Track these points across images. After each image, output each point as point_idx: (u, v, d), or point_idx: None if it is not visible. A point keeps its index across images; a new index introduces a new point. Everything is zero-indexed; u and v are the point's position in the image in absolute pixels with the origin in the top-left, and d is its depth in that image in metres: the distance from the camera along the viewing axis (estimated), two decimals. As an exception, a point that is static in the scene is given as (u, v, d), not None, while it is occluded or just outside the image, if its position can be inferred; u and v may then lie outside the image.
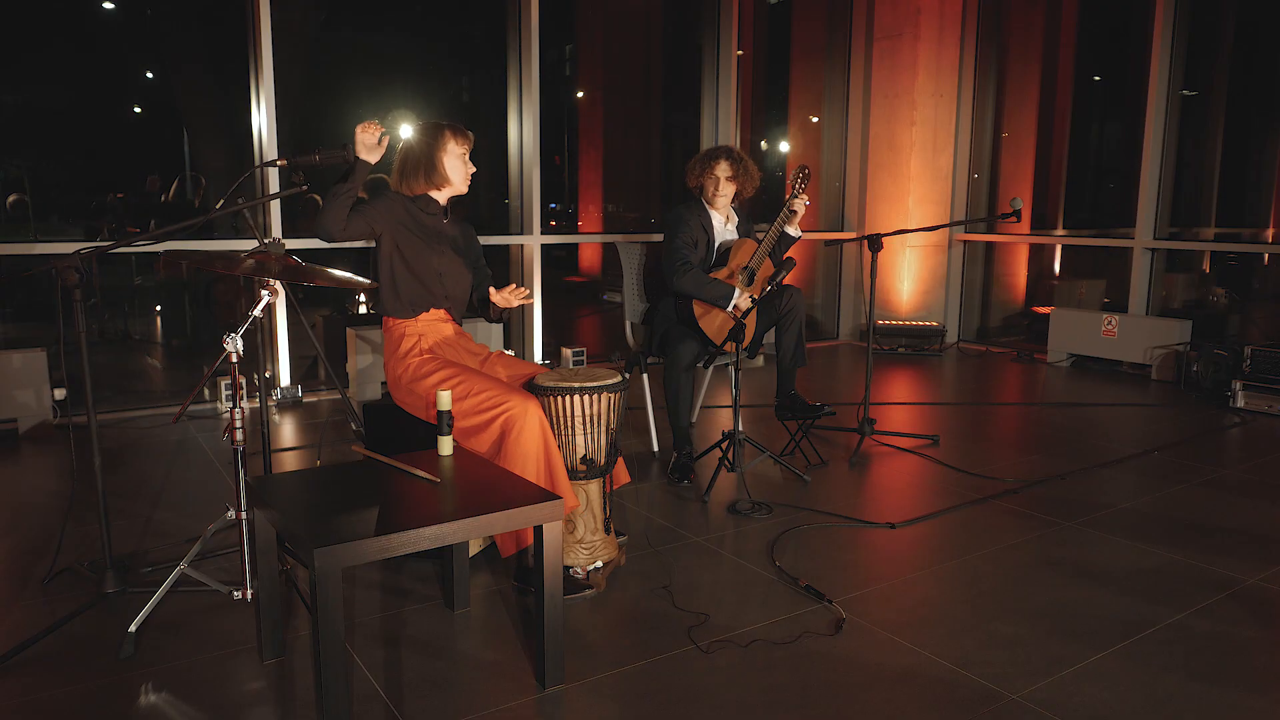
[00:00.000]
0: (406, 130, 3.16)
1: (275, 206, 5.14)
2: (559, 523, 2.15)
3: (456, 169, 3.04)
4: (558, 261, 11.59)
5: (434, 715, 2.07)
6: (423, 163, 3.00)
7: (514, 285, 3.09)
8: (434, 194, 3.06)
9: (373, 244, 2.98)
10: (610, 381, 2.74)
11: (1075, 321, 6.39)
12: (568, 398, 2.68)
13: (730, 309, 3.77)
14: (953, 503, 3.53)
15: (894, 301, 7.43)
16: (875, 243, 4.09)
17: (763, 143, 8.50)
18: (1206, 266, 7.44)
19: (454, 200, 3.15)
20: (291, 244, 5.19)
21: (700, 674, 2.25)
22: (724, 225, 4.08)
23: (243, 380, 2.48)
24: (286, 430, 4.69)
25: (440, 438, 2.51)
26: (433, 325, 3.00)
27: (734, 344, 3.49)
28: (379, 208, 2.91)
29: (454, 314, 3.08)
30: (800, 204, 3.85)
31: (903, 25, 7.07)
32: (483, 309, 3.20)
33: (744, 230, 4.12)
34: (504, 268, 6.19)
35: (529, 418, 2.65)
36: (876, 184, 7.41)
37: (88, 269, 2.46)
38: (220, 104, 6.40)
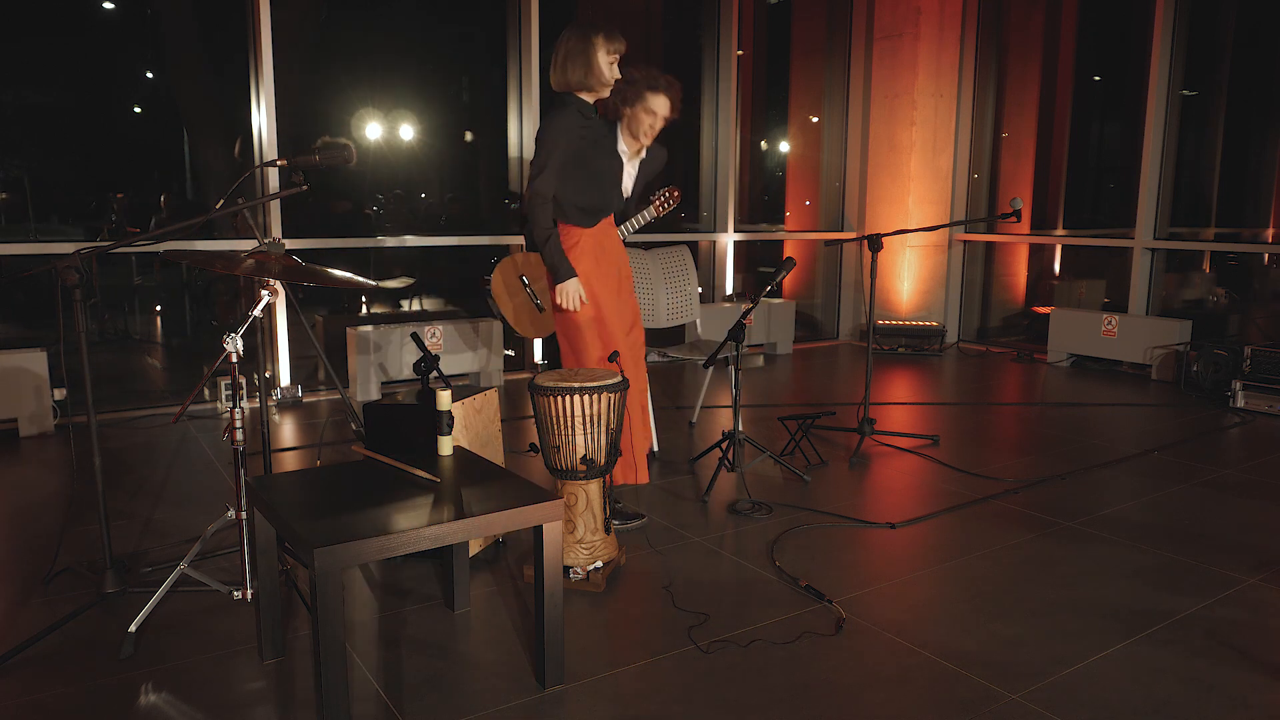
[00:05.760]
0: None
1: (275, 206, 5.14)
2: (559, 523, 2.15)
3: (606, 71, 3.17)
4: (558, 261, 11.55)
5: (434, 715, 2.07)
6: (580, 63, 3.15)
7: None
8: (586, 96, 3.21)
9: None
10: (610, 381, 2.74)
11: (1075, 321, 6.39)
12: (568, 398, 2.69)
13: (557, 285, 3.23)
14: (953, 503, 3.53)
15: (894, 301, 7.43)
16: (875, 243, 4.09)
17: (763, 143, 8.50)
18: (1206, 266, 7.44)
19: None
20: (291, 244, 5.19)
21: (700, 674, 2.25)
22: (628, 161, 3.57)
23: (243, 380, 2.48)
24: (286, 430, 4.69)
25: (440, 438, 2.51)
26: (602, 237, 3.29)
27: (733, 343, 3.49)
28: (560, 144, 3.12)
29: (614, 210, 3.37)
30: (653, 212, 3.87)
31: (903, 25, 7.07)
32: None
33: (647, 176, 3.62)
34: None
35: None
36: (876, 184, 7.41)
37: (88, 269, 2.46)
38: (220, 104, 6.40)
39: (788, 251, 7.86)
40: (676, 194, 3.83)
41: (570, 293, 3.19)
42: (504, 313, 3.82)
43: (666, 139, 3.63)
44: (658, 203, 3.87)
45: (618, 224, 3.77)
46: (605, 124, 3.41)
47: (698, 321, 4.72)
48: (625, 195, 3.62)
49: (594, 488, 2.77)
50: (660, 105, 3.48)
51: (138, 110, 6.72)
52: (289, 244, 5.16)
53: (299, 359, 5.51)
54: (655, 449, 4.24)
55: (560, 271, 3.18)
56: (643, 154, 3.69)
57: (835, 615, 2.57)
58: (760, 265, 8.20)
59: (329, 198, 6.93)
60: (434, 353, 5.03)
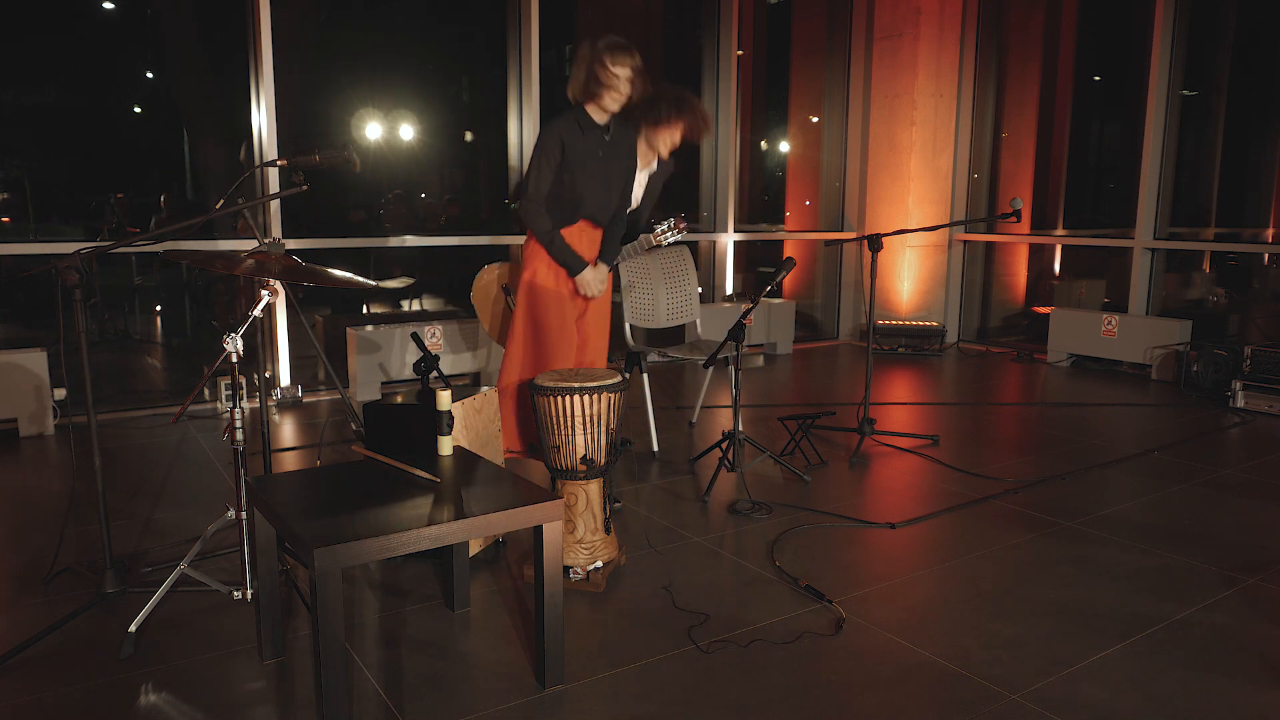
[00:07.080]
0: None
1: (275, 206, 5.14)
2: (559, 523, 2.15)
3: (605, 80, 3.19)
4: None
5: (434, 715, 2.07)
6: (584, 76, 3.20)
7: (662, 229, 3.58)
8: (591, 110, 3.25)
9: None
10: (610, 381, 2.74)
11: (1075, 321, 6.39)
12: (568, 398, 2.69)
13: (574, 279, 3.38)
14: (953, 503, 3.53)
15: (894, 301, 7.43)
16: (875, 243, 4.09)
17: (763, 143, 8.50)
18: (1206, 266, 7.45)
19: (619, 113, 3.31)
20: (291, 244, 5.19)
21: (700, 674, 2.25)
22: (639, 169, 3.67)
23: (243, 380, 2.48)
24: (286, 430, 4.69)
25: (440, 438, 2.51)
26: (575, 238, 3.32)
27: (733, 343, 3.49)
28: (548, 149, 3.20)
29: (600, 221, 3.38)
30: (662, 239, 3.71)
31: (903, 25, 7.07)
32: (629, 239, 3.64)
33: (654, 189, 3.66)
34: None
35: None
36: (876, 184, 7.41)
37: (88, 269, 2.46)
38: (220, 104, 6.40)
39: (788, 251, 7.86)
40: (682, 225, 3.75)
41: (588, 280, 3.34)
42: (481, 319, 3.85)
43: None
44: (659, 233, 3.69)
45: (630, 236, 3.76)
46: (619, 131, 3.37)
47: (698, 321, 4.72)
48: (633, 205, 3.64)
49: (594, 488, 2.77)
50: (675, 134, 3.63)
51: (138, 110, 6.73)
52: (289, 244, 5.16)
53: (299, 359, 5.51)
54: (656, 449, 4.24)
55: (572, 267, 3.30)
56: (653, 166, 3.78)
57: (835, 615, 2.57)
58: (760, 265, 8.20)
59: (329, 198, 6.93)
60: (434, 353, 5.03)
